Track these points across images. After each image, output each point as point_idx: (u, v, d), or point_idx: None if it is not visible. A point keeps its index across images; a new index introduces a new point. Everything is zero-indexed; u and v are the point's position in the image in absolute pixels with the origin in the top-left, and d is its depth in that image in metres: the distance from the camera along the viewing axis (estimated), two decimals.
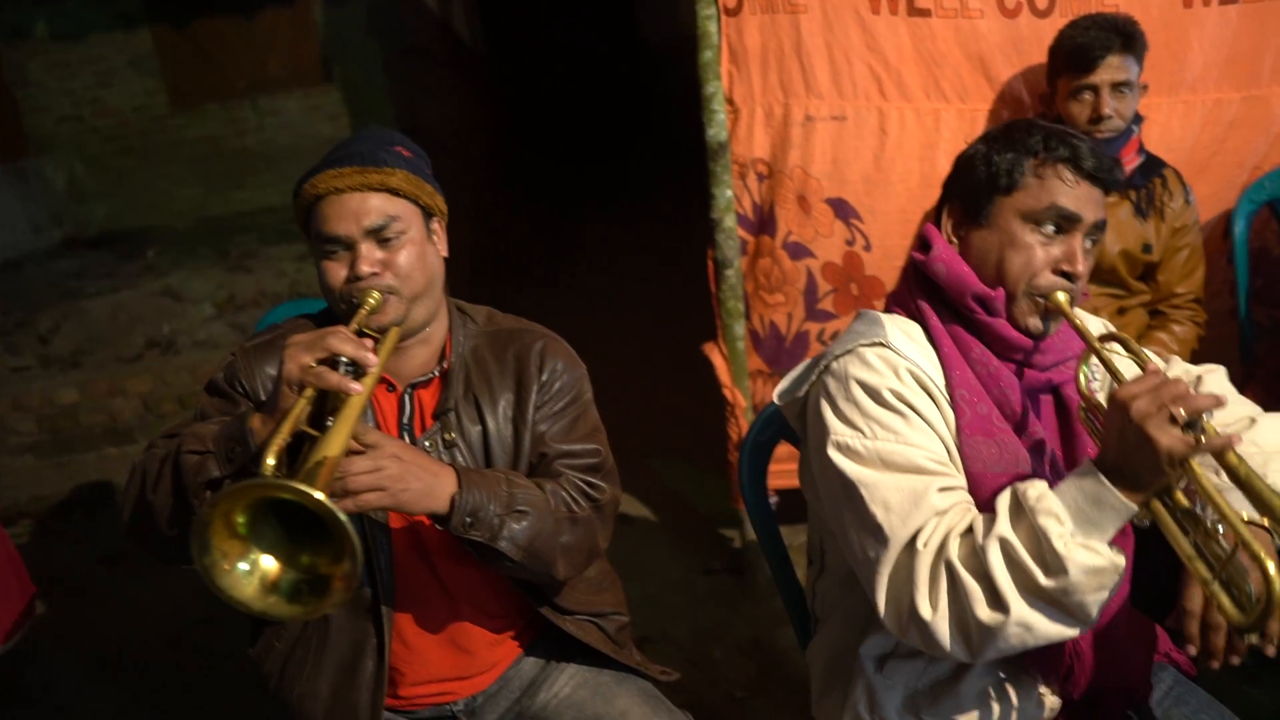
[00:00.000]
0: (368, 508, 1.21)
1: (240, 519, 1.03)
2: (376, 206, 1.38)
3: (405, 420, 1.46)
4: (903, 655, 1.33)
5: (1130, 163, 2.24)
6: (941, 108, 2.40)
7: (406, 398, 1.47)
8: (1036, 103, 2.39)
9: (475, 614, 1.50)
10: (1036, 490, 1.10)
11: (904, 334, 1.30)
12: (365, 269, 1.37)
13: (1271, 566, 0.96)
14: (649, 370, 4.23)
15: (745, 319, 2.51)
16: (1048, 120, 2.23)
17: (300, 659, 1.46)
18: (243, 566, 1.04)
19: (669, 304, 4.64)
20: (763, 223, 2.49)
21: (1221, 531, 1.07)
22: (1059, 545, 1.06)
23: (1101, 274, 2.27)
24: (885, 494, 1.18)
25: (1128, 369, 1.29)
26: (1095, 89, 2.14)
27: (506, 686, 1.55)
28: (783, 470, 1.87)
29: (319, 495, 0.98)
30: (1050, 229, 1.27)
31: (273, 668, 1.48)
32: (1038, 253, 1.27)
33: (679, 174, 4.07)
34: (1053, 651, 1.27)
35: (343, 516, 0.99)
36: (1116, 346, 1.28)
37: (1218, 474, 1.11)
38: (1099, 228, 1.30)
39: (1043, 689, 1.31)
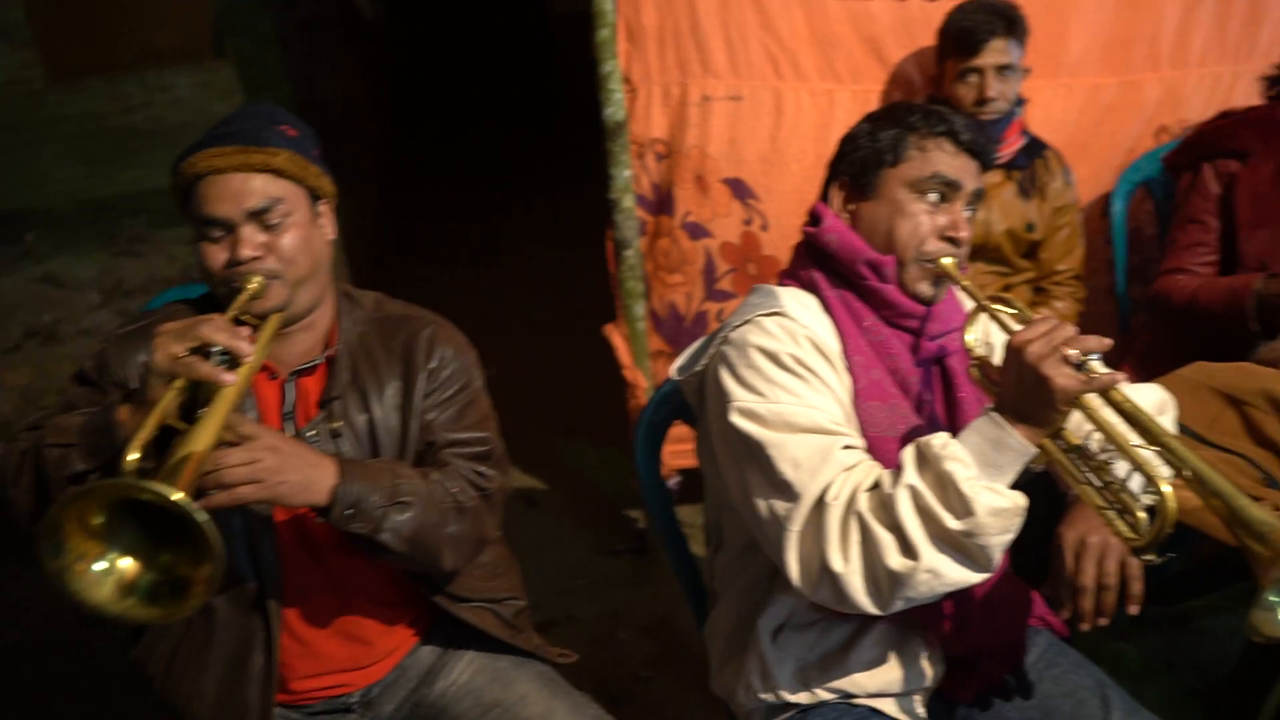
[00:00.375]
0: (243, 501, 1.18)
1: (97, 519, 0.98)
2: (259, 188, 1.34)
3: (288, 409, 1.42)
4: (797, 626, 1.36)
5: (1013, 144, 2.31)
6: (835, 88, 2.43)
7: (289, 386, 1.43)
8: (927, 84, 2.44)
9: (368, 604, 1.47)
10: (941, 439, 1.15)
11: (799, 304, 1.35)
12: (246, 253, 1.32)
13: (1165, 484, 1.03)
14: (554, 351, 4.21)
15: (645, 299, 2.51)
16: (937, 101, 2.30)
17: (185, 658, 1.42)
18: (98, 568, 0.99)
19: (574, 283, 4.62)
20: (661, 203, 2.49)
21: (1111, 464, 1.13)
22: (965, 488, 1.10)
23: (987, 252, 2.35)
24: (793, 452, 1.20)
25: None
26: (980, 71, 2.20)
27: (403, 676, 1.53)
28: (685, 450, 1.88)
29: (177, 496, 0.94)
30: (934, 197, 1.34)
31: (156, 668, 1.44)
32: (924, 220, 1.33)
33: (585, 151, 4.04)
34: (937, 614, 1.32)
35: (202, 518, 0.95)
36: (1002, 307, 1.33)
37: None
38: (977, 196, 1.37)
39: (925, 658, 1.36)
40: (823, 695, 1.34)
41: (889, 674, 1.35)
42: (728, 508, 1.40)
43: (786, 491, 1.20)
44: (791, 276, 1.43)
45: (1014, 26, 2.20)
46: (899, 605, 1.16)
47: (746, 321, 1.32)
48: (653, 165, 2.46)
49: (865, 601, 1.16)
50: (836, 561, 1.15)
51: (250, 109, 1.44)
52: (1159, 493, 1.03)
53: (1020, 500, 1.13)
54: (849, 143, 1.42)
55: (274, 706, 1.41)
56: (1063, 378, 1.08)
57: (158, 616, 1.02)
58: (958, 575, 1.13)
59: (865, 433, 1.29)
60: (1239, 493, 1.00)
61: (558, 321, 4.50)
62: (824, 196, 1.45)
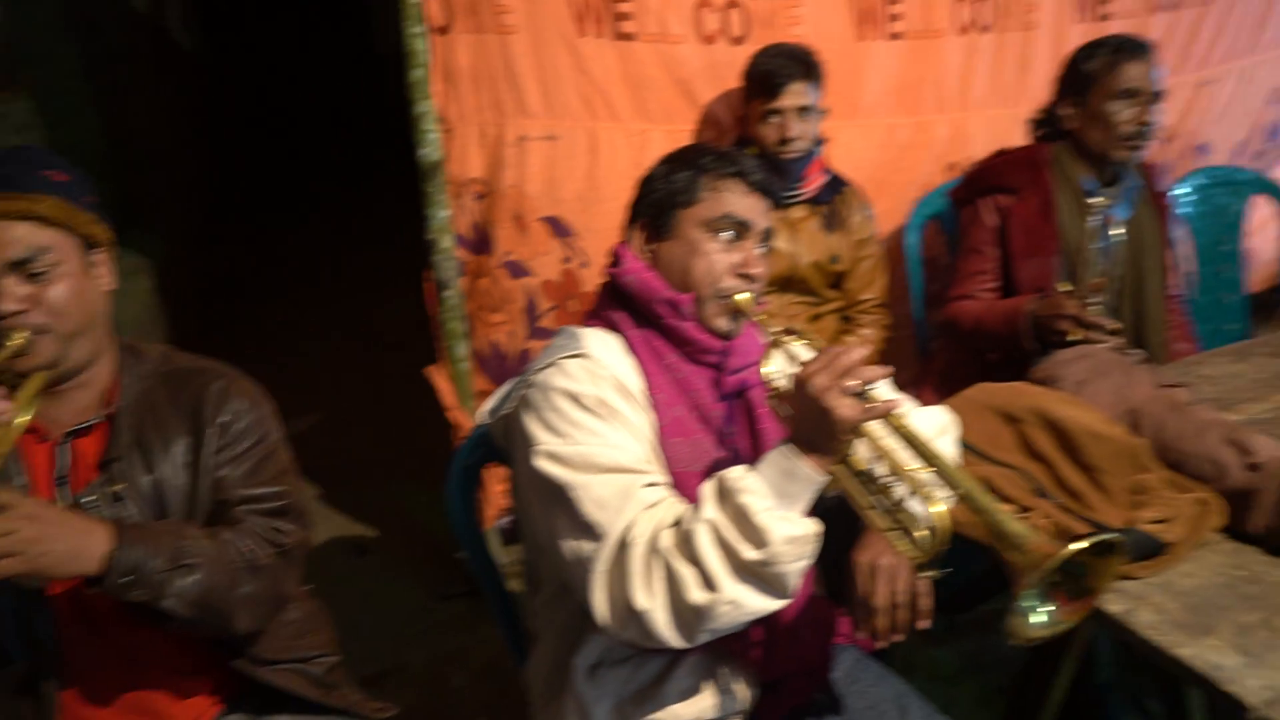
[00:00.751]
0: (1, 576, 1.09)
1: None
2: (21, 237, 1.25)
3: (60, 473, 1.33)
4: (612, 663, 1.37)
5: (815, 181, 2.44)
6: (649, 128, 2.50)
7: (62, 449, 1.34)
8: (735, 124, 2.55)
9: (159, 675, 1.39)
10: (738, 472, 1.18)
11: (602, 345, 1.37)
12: (8, 306, 1.24)
13: (940, 505, 1.11)
14: (381, 393, 4.10)
15: (468, 339, 2.49)
16: (745, 140, 2.40)
17: None
18: None
19: (399, 324, 4.53)
20: (481, 242, 2.48)
21: (893, 487, 1.20)
22: (761, 519, 1.13)
23: (795, 284, 2.46)
24: (596, 492, 1.21)
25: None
26: (782, 113, 2.32)
27: None
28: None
29: None
30: (727, 235, 1.39)
31: None
32: (718, 258, 1.38)
33: (407, 188, 3.98)
34: (746, 641, 1.36)
35: None
36: (795, 339, 1.39)
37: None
38: (768, 234, 1.44)
39: (737, 684, 1.39)
40: None
41: (703, 702, 1.37)
42: (540, 548, 1.41)
43: (590, 532, 1.21)
44: (595, 317, 1.45)
45: (810, 70, 2.32)
46: (704, 637, 1.19)
47: (550, 364, 1.33)
48: (471, 205, 2.45)
49: (671, 636, 1.18)
50: (641, 599, 1.17)
51: (13, 153, 1.35)
52: (933, 512, 1.11)
53: (813, 527, 1.17)
54: (646, 184, 1.46)
55: None
56: (843, 408, 1.13)
57: None
58: (757, 604, 1.16)
59: (671, 469, 1.33)
60: (1000, 509, 1.09)
61: (384, 363, 4.39)
62: (626, 238, 1.48)
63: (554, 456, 1.26)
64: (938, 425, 1.52)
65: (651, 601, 1.16)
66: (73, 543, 1.15)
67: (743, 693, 1.40)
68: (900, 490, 1.21)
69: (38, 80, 5.15)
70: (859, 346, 1.18)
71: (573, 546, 1.23)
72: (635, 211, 1.47)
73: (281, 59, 8.35)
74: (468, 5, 2.30)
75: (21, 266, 1.25)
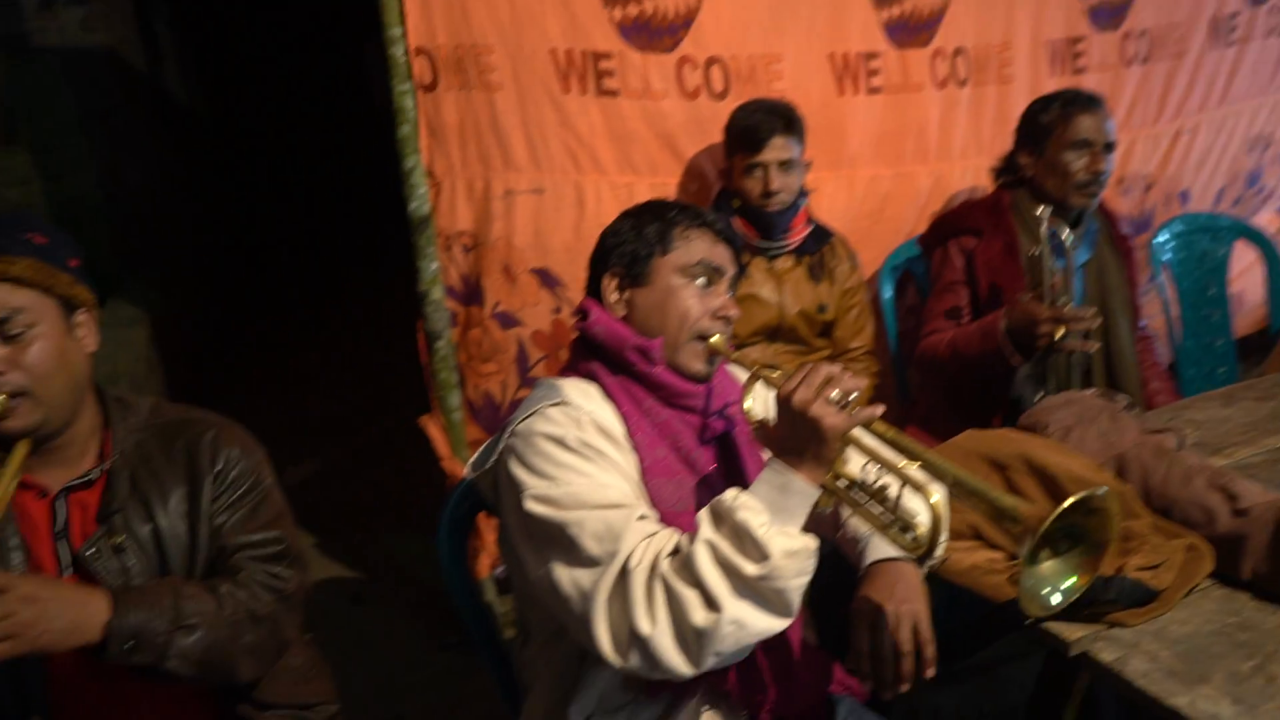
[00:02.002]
0: (2, 658, 1.10)
1: None
2: None
3: (59, 528, 1.35)
4: (607, 711, 1.36)
5: (801, 231, 2.47)
6: (634, 180, 2.55)
7: (59, 504, 1.35)
8: (719, 177, 2.59)
9: None
10: (731, 494, 1.20)
11: (581, 393, 1.40)
12: None
13: (934, 494, 1.17)
14: (376, 442, 4.11)
15: (460, 389, 2.51)
16: (728, 193, 2.44)
17: None
18: None
19: (395, 373, 4.55)
20: (471, 294, 2.51)
21: (886, 489, 1.24)
22: (759, 533, 1.15)
23: (784, 333, 2.49)
24: (592, 528, 1.23)
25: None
26: (764, 166, 2.36)
27: None
28: None
29: None
30: (702, 281, 1.46)
31: None
32: (695, 302, 1.44)
33: (401, 241, 4.02)
34: (740, 684, 1.37)
35: None
36: (770, 372, 1.43)
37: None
38: (735, 281, 1.52)
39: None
40: None
41: None
42: (530, 599, 1.41)
43: (590, 565, 1.22)
44: (572, 370, 1.49)
45: (791, 125, 2.37)
46: (711, 661, 1.18)
47: (532, 414, 1.35)
48: (460, 257, 2.49)
49: (677, 661, 1.17)
50: (644, 624, 1.17)
51: None
52: (928, 502, 1.16)
53: (811, 542, 1.19)
54: (613, 236, 1.51)
55: None
56: (830, 416, 1.17)
57: None
58: (761, 624, 1.17)
59: (656, 507, 1.34)
60: (991, 486, 1.14)
61: (378, 411, 4.41)
62: (592, 290, 1.53)
63: (544, 499, 1.27)
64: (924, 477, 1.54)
65: (654, 627, 1.17)
66: (71, 617, 1.17)
67: None
68: (893, 489, 1.24)
69: (37, 135, 5.22)
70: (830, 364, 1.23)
71: (572, 581, 1.24)
72: (605, 262, 1.51)
73: (280, 113, 8.46)
74: (454, 63, 2.36)
75: None
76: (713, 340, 1.43)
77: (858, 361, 2.58)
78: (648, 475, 1.36)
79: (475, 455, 1.47)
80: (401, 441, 3.07)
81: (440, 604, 3.01)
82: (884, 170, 2.80)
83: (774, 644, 1.38)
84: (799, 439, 1.20)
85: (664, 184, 2.57)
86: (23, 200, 5.29)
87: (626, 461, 1.35)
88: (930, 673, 1.33)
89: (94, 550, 1.33)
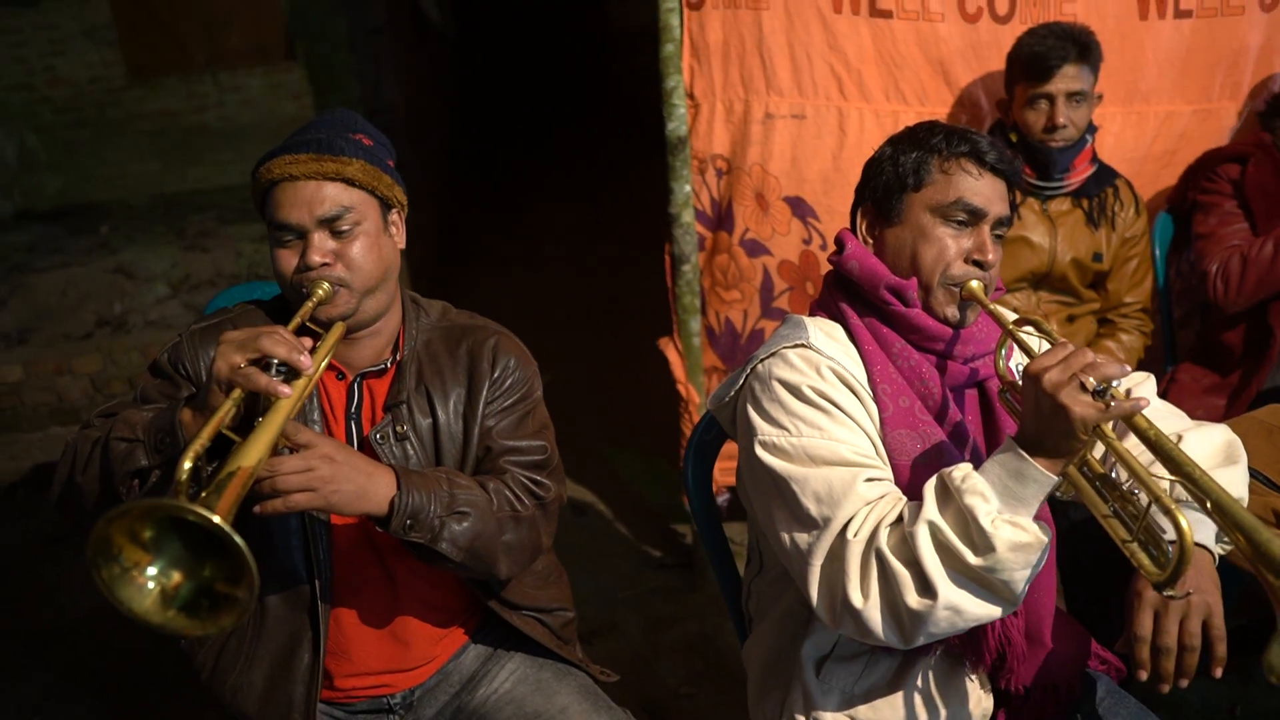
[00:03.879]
0: (297, 509, 1.20)
1: (146, 532, 1.00)
2: (331, 196, 1.36)
3: (353, 410, 1.45)
4: (840, 658, 1.34)
5: (1083, 172, 2.27)
6: (901, 110, 2.41)
7: (356, 387, 1.45)
8: (994, 108, 2.41)
9: (418, 607, 1.50)
10: (961, 472, 1.14)
11: (826, 334, 1.34)
12: (316, 259, 1.35)
13: (1183, 520, 0.99)
14: (607, 359, 4.23)
15: (701, 315, 2.51)
16: (1005, 127, 2.27)
17: (234, 651, 1.45)
18: (145, 579, 1.01)
19: (628, 294, 4.63)
20: (720, 219, 2.48)
21: (1137, 495, 1.11)
22: (985, 523, 1.08)
23: (1052, 281, 2.30)
24: (815, 487, 1.20)
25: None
26: (1051, 98, 2.17)
27: (445, 680, 1.55)
28: (732, 467, 1.87)
29: (216, 520, 0.95)
30: (958, 221, 1.33)
31: (205, 660, 1.47)
32: (949, 244, 1.32)
33: (643, 164, 4.05)
34: (981, 641, 1.30)
35: (240, 542, 0.95)
36: (1030, 331, 1.31)
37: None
38: (1003, 222, 1.36)
39: (973, 690, 1.33)
40: None
41: (936, 709, 1.32)
42: (764, 533, 1.40)
43: (809, 525, 1.20)
44: (821, 307, 1.43)
45: (1087, 53, 2.15)
46: (923, 640, 1.15)
47: (772, 354, 1.32)
48: (713, 181, 2.46)
49: (889, 636, 1.15)
50: (856, 598, 1.14)
51: (328, 117, 1.47)
52: (1178, 525, 0.99)
53: (1043, 535, 1.11)
54: (872, 167, 1.41)
55: (318, 704, 1.43)
56: (1080, 406, 1.06)
57: (195, 630, 1.03)
58: (980, 611, 1.12)
59: (893, 461, 1.28)
60: (1262, 526, 0.97)
61: (611, 331, 4.52)
62: (852, 223, 1.44)
63: (773, 448, 1.25)
64: (1220, 445, 1.37)
65: (866, 601, 1.14)
66: (362, 483, 1.25)
67: (981, 703, 1.34)
68: (1144, 498, 1.09)
69: (309, 52, 5.64)
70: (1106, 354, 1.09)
71: (790, 538, 1.22)
72: (861, 195, 1.43)
73: (523, 35, 8.72)
74: None
75: (330, 223, 1.36)
76: (970, 285, 1.31)
77: (1130, 319, 2.37)
78: (888, 426, 1.29)
79: (717, 388, 1.45)
80: (638, 361, 3.13)
81: (657, 524, 3.09)
82: (1183, 106, 2.50)
83: (1023, 609, 1.30)
84: (1042, 422, 1.10)
85: (933, 114, 2.41)
86: (297, 113, 5.76)
87: (863, 413, 1.29)
88: (1219, 672, 1.18)
89: (380, 435, 1.42)
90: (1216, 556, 1.24)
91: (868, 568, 1.15)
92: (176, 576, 1.02)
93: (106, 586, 1.00)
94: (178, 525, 1.01)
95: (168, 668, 2.54)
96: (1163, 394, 2.24)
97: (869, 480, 1.21)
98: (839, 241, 1.40)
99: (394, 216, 1.48)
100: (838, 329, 1.36)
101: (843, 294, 1.38)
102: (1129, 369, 1.10)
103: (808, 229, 2.45)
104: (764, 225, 2.45)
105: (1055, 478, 1.11)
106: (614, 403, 3.84)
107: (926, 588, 1.10)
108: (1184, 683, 1.18)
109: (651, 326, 2.71)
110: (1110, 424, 1.08)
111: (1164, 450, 1.05)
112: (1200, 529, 1.22)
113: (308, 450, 1.21)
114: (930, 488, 1.15)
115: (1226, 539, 1.26)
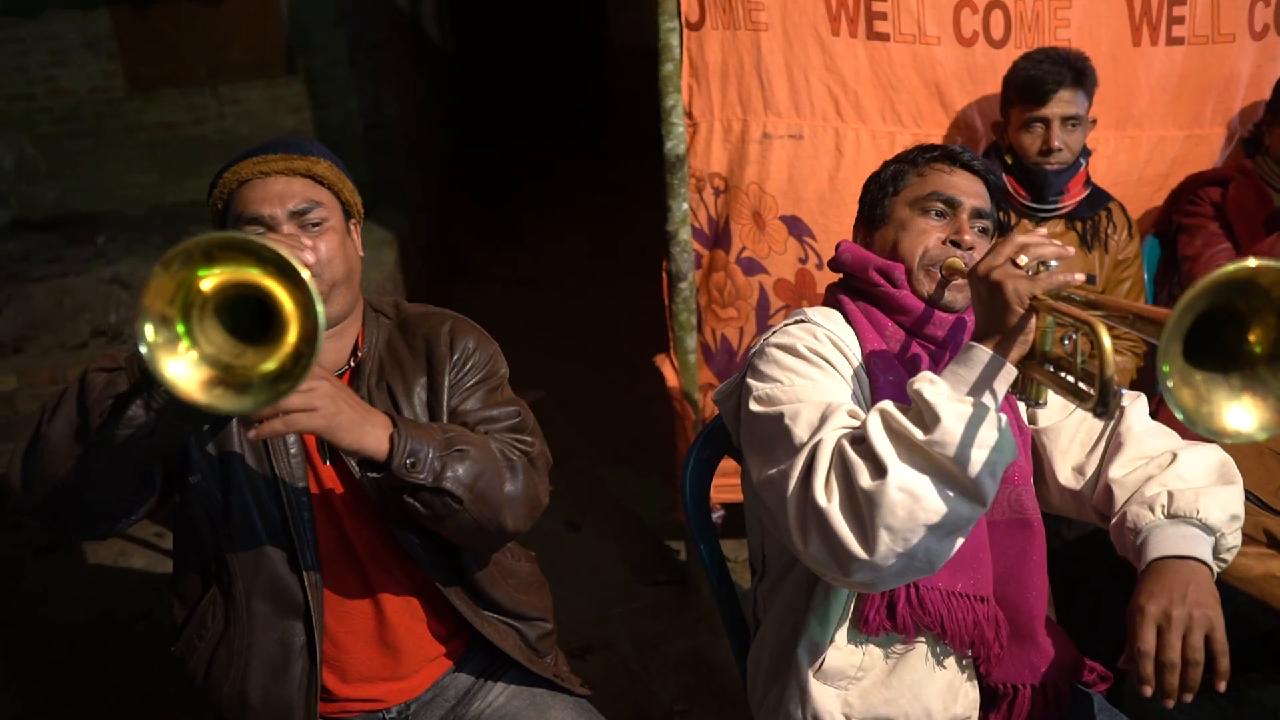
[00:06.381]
0: (296, 429, 1.19)
1: (202, 286, 1.01)
2: (300, 191, 1.39)
3: None
4: (835, 651, 1.35)
5: (1077, 194, 2.29)
6: (897, 131, 2.44)
7: None
8: (989, 131, 2.43)
9: (404, 615, 1.49)
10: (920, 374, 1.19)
11: (823, 315, 1.42)
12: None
13: (1104, 332, 0.99)
14: (600, 376, 4.24)
15: (698, 332, 2.52)
16: (1000, 149, 2.29)
17: (224, 659, 1.44)
18: (195, 351, 1.02)
19: (623, 310, 4.65)
20: (718, 237, 2.50)
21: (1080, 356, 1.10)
22: (931, 397, 1.12)
23: None
24: (803, 415, 1.23)
25: None
26: (1046, 121, 2.19)
27: (441, 695, 1.54)
28: (729, 485, 1.88)
29: (284, 252, 0.98)
30: (936, 213, 1.41)
31: (197, 667, 1.46)
32: (928, 231, 1.40)
33: (641, 181, 4.08)
34: (971, 633, 1.33)
35: (296, 263, 0.98)
36: None
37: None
38: (981, 214, 1.42)
39: (964, 685, 1.37)
40: None
41: (928, 701, 1.36)
42: (767, 532, 1.43)
43: (791, 447, 1.22)
44: (821, 304, 1.51)
45: (1082, 78, 2.18)
46: (885, 540, 1.10)
47: (773, 332, 1.39)
48: (710, 199, 2.48)
49: (850, 540, 1.12)
50: (820, 496, 1.14)
51: (285, 137, 1.51)
52: (1098, 337, 0.99)
53: (989, 403, 1.13)
54: (864, 191, 1.53)
55: (318, 713, 1.43)
56: (1012, 280, 1.12)
57: (247, 406, 1.03)
58: (938, 501, 1.10)
59: None
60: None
61: (605, 347, 4.53)
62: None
63: (766, 399, 1.29)
64: (1214, 468, 1.37)
65: (829, 501, 1.14)
66: (362, 415, 1.26)
67: (969, 695, 1.38)
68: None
69: (309, 67, 5.67)
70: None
71: (777, 470, 1.22)
72: (857, 216, 1.54)
73: (522, 53, 8.77)
74: (722, 1, 2.33)
75: (300, 216, 1.38)
76: (950, 261, 1.36)
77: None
78: (877, 397, 1.33)
79: (723, 385, 1.48)
80: (634, 374, 3.14)
81: (650, 541, 3.09)
82: (1175, 131, 2.53)
83: (1009, 605, 1.36)
84: (982, 305, 1.17)
85: (928, 135, 2.44)
86: (296, 126, 5.79)
87: (855, 379, 1.34)
88: (1222, 686, 1.18)
89: None
90: (1214, 571, 1.25)
91: (831, 466, 1.16)
92: (221, 353, 1.04)
93: (151, 359, 1.01)
94: (228, 307, 1.05)
95: (159, 678, 2.53)
96: (1154, 414, 2.25)
97: (851, 413, 1.23)
98: (838, 247, 1.49)
99: (353, 225, 1.50)
100: (835, 313, 1.44)
101: (840, 287, 1.48)
102: (1070, 251, 1.17)
103: (804, 248, 2.47)
104: (761, 244, 2.47)
105: (1002, 359, 1.15)
106: (609, 419, 3.85)
107: (878, 468, 1.11)
108: (1188, 698, 1.17)
109: (647, 343, 2.72)
110: (1050, 295, 1.11)
111: (1107, 305, 1.07)
112: (1197, 544, 1.23)
113: (311, 386, 1.20)
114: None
115: (1225, 555, 1.28)
